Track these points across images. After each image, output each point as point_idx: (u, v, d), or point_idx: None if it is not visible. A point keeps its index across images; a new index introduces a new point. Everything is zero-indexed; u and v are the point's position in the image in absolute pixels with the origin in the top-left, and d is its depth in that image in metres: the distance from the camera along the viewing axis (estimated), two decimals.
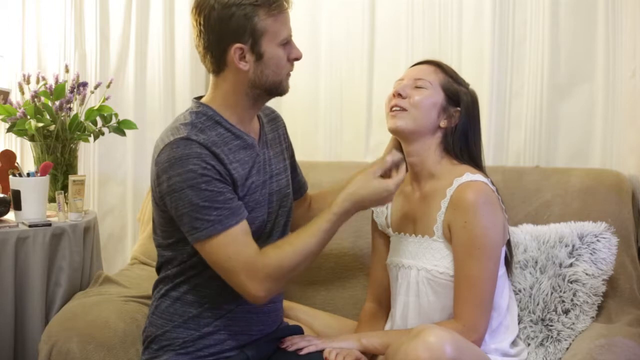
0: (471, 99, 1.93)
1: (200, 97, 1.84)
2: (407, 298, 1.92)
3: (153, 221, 1.86)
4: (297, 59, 1.80)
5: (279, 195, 1.88)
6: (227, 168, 1.73)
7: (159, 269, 1.89)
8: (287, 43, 1.78)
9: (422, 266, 1.88)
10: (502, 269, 1.90)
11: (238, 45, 1.72)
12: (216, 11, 1.71)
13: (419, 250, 1.90)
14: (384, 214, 2.03)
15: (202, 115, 1.77)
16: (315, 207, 2.06)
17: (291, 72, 1.81)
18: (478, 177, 1.84)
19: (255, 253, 1.70)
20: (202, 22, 1.74)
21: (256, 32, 1.72)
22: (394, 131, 1.90)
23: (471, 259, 1.80)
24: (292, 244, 1.73)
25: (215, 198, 1.68)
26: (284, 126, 2.01)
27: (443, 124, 1.89)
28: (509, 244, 1.94)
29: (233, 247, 1.69)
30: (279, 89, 1.80)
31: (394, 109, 1.89)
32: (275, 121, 1.98)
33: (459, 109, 1.90)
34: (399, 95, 1.89)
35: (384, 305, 2.04)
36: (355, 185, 1.76)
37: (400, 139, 1.94)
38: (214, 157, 1.71)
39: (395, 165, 1.80)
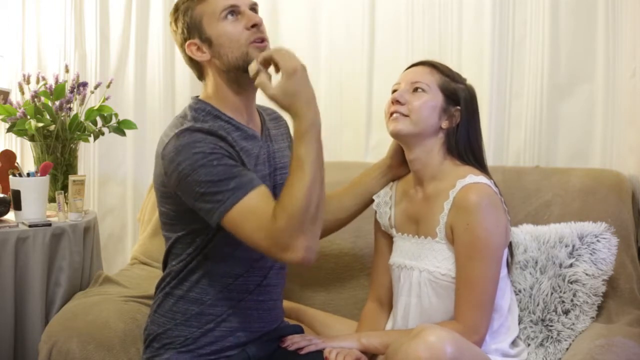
0: (469, 94, 1.92)
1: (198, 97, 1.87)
2: (408, 299, 1.91)
3: (160, 216, 1.85)
4: (255, 25, 1.76)
5: (282, 188, 1.87)
6: (236, 149, 1.73)
7: (163, 265, 1.89)
8: (234, 15, 1.76)
9: (424, 267, 1.88)
10: (504, 270, 1.89)
11: (189, 42, 1.80)
12: (172, 24, 1.83)
13: (421, 251, 1.90)
14: (387, 214, 2.02)
15: (201, 111, 1.79)
16: None
17: (260, 40, 1.75)
18: (481, 178, 1.84)
19: (272, 219, 1.62)
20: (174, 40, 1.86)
21: (196, 22, 1.77)
22: (395, 135, 1.90)
23: (473, 261, 1.79)
24: (288, 193, 1.61)
25: (230, 170, 1.66)
26: (287, 126, 2.00)
27: (445, 124, 1.89)
28: (510, 245, 1.94)
29: (254, 217, 1.62)
30: (249, 60, 1.75)
31: (394, 115, 1.89)
32: (277, 120, 1.98)
33: (459, 107, 1.89)
34: (398, 102, 1.88)
35: (385, 306, 2.04)
36: (295, 96, 1.62)
37: (402, 144, 1.93)
38: (222, 140, 1.71)
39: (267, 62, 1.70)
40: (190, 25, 1.78)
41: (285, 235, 1.59)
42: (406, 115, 1.87)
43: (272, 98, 1.64)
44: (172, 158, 1.69)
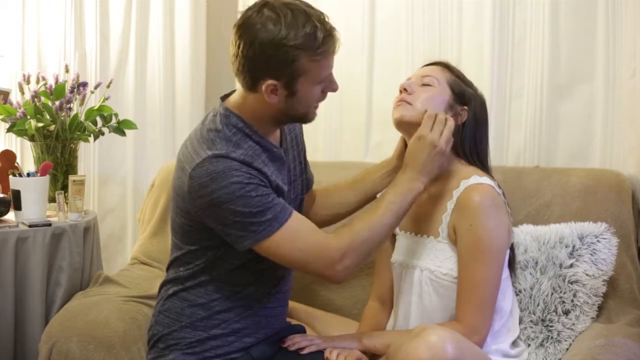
0: (480, 101, 1.94)
1: (226, 96, 1.82)
2: (409, 298, 1.92)
3: (173, 223, 1.84)
4: (333, 91, 1.78)
5: (295, 202, 1.88)
6: (269, 178, 1.73)
7: (169, 267, 1.88)
8: (326, 79, 1.75)
9: (426, 266, 1.89)
10: (506, 272, 1.90)
11: (272, 82, 1.67)
12: (258, 44, 1.64)
13: (423, 250, 1.90)
14: None
15: (233, 127, 1.74)
16: (320, 203, 2.06)
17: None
18: (485, 179, 1.84)
19: (324, 237, 1.72)
20: (241, 47, 1.66)
21: (294, 73, 1.67)
22: (398, 122, 1.90)
23: (475, 262, 1.79)
24: (362, 220, 1.75)
25: (266, 200, 1.67)
26: (300, 125, 1.97)
27: None
28: (512, 246, 1.94)
29: (300, 239, 1.70)
30: (304, 119, 1.79)
31: (399, 102, 1.89)
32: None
33: (466, 107, 1.90)
34: (405, 90, 1.90)
35: (387, 305, 2.04)
36: (410, 158, 1.81)
37: (405, 133, 1.93)
38: (254, 169, 1.70)
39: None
40: (284, 68, 1.65)
41: (340, 252, 1.70)
42: (411, 104, 1.88)
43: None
44: (204, 183, 1.67)
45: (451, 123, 1.82)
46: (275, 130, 1.82)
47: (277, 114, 1.75)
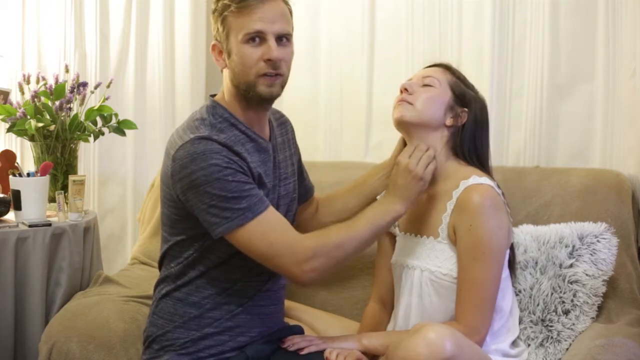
0: (480, 103, 1.94)
1: (215, 95, 1.85)
2: (410, 298, 1.92)
3: (163, 216, 1.85)
4: (269, 60, 1.72)
5: (285, 200, 1.88)
6: (249, 165, 1.74)
7: (160, 264, 1.89)
8: (256, 41, 1.72)
9: (426, 267, 1.89)
10: (506, 272, 1.90)
11: (213, 42, 1.79)
12: (212, 14, 1.78)
13: (423, 251, 1.90)
14: None
15: (219, 116, 1.78)
16: (323, 211, 2.07)
17: (271, 76, 1.73)
18: (485, 180, 1.84)
19: (297, 235, 1.72)
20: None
21: (225, 30, 1.75)
22: (398, 122, 1.90)
23: (475, 262, 1.79)
24: (339, 227, 1.75)
25: (242, 188, 1.68)
26: (292, 131, 2.01)
27: (449, 122, 1.90)
28: (512, 247, 1.94)
29: (272, 233, 1.69)
30: (251, 92, 1.75)
31: (400, 102, 1.90)
32: (284, 125, 1.98)
33: (466, 109, 1.90)
34: (406, 90, 1.90)
35: (388, 306, 2.05)
36: (393, 182, 1.81)
37: (405, 133, 1.94)
38: (236, 154, 1.71)
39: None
40: (221, 29, 1.76)
41: (310, 251, 1.69)
42: (411, 104, 1.88)
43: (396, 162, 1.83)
44: (184, 164, 1.68)
45: (431, 152, 1.83)
46: (256, 117, 1.81)
47: (235, 88, 1.76)
